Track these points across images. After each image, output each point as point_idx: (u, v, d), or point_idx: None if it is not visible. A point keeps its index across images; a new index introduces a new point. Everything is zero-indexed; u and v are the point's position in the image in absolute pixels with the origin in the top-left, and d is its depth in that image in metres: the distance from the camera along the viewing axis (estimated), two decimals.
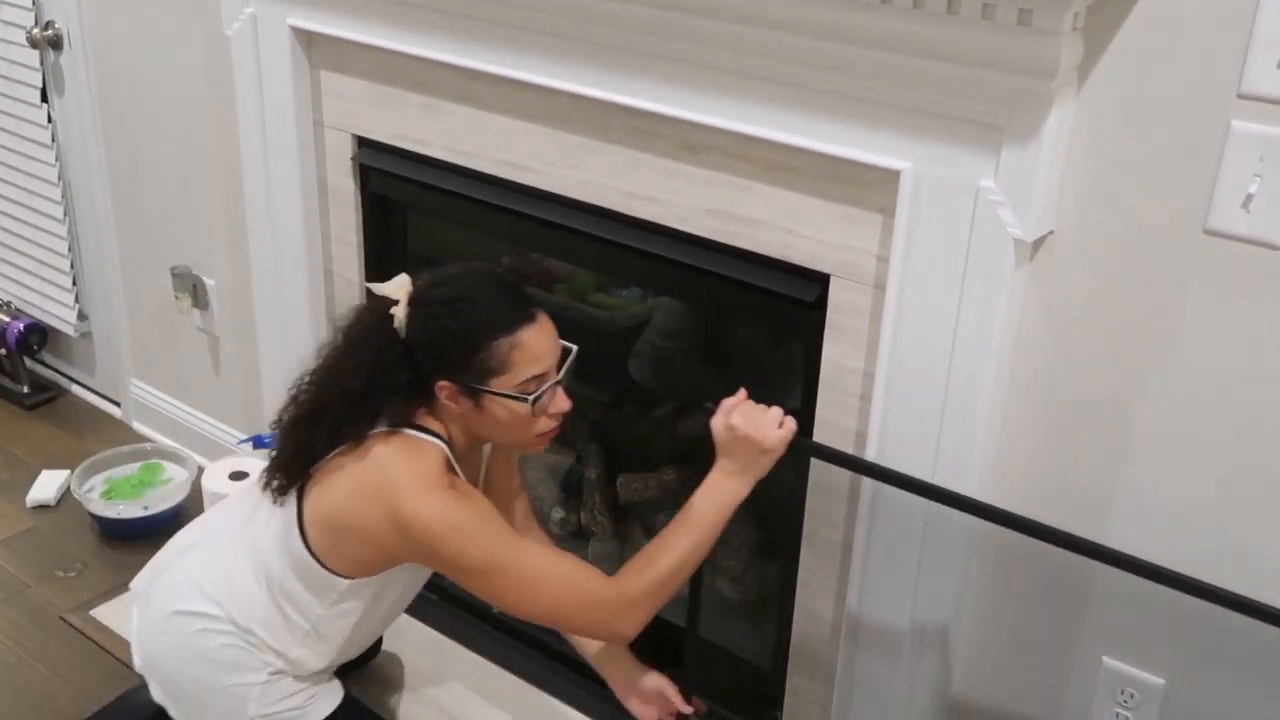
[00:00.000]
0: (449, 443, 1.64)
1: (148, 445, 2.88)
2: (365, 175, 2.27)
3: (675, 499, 2.38)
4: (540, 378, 1.62)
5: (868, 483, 1.73)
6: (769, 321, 1.92)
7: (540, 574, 1.59)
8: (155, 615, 1.76)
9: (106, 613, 2.41)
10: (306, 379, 1.69)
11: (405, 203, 2.29)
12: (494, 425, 1.64)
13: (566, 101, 1.88)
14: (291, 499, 1.67)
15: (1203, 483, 1.51)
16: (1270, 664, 1.53)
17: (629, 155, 1.85)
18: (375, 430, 1.63)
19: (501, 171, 2.03)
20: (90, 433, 3.04)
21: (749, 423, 1.61)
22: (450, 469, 1.63)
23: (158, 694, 1.76)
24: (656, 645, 2.28)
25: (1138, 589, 1.60)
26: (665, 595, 1.62)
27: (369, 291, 1.67)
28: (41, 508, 2.72)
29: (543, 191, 1.99)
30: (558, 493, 2.46)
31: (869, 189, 1.62)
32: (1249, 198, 1.37)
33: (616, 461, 2.43)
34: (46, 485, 2.76)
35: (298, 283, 2.40)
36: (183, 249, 2.75)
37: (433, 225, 2.38)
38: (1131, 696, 1.66)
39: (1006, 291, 1.53)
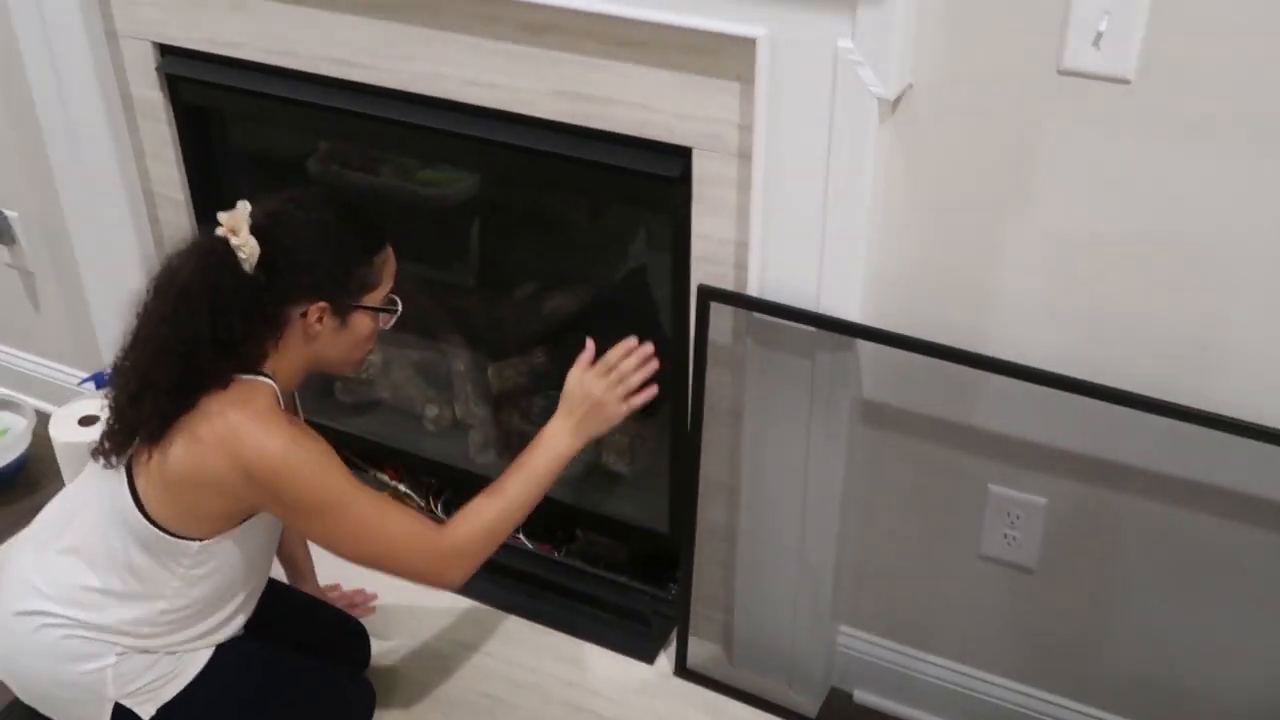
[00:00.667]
0: (274, 379, 1.59)
1: None
2: (174, 85, 2.11)
3: (548, 381, 2.37)
4: (392, 289, 1.66)
5: (752, 344, 1.75)
6: (631, 199, 1.89)
7: (374, 517, 1.59)
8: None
9: None
10: (141, 340, 1.56)
11: (222, 110, 2.14)
12: (350, 344, 1.63)
13: None
14: (121, 473, 1.58)
15: (1065, 319, 1.57)
16: (1136, 456, 1.64)
17: (466, 41, 1.76)
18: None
19: (326, 69, 1.91)
20: None
21: (598, 385, 1.68)
22: (278, 405, 1.59)
23: (24, 696, 1.69)
24: (548, 521, 2.32)
25: (1018, 414, 1.68)
26: (494, 544, 1.67)
27: (206, 231, 1.55)
28: None
29: (374, 87, 1.89)
30: (428, 389, 2.41)
31: (724, 58, 1.58)
32: (1099, 35, 1.39)
33: (483, 349, 2.40)
34: None
35: (116, 207, 2.24)
36: None
37: (259, 131, 2.25)
38: (1018, 518, 1.76)
39: (872, 149, 1.53)
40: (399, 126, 1.89)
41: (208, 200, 2.23)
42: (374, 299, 1.63)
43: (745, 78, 1.58)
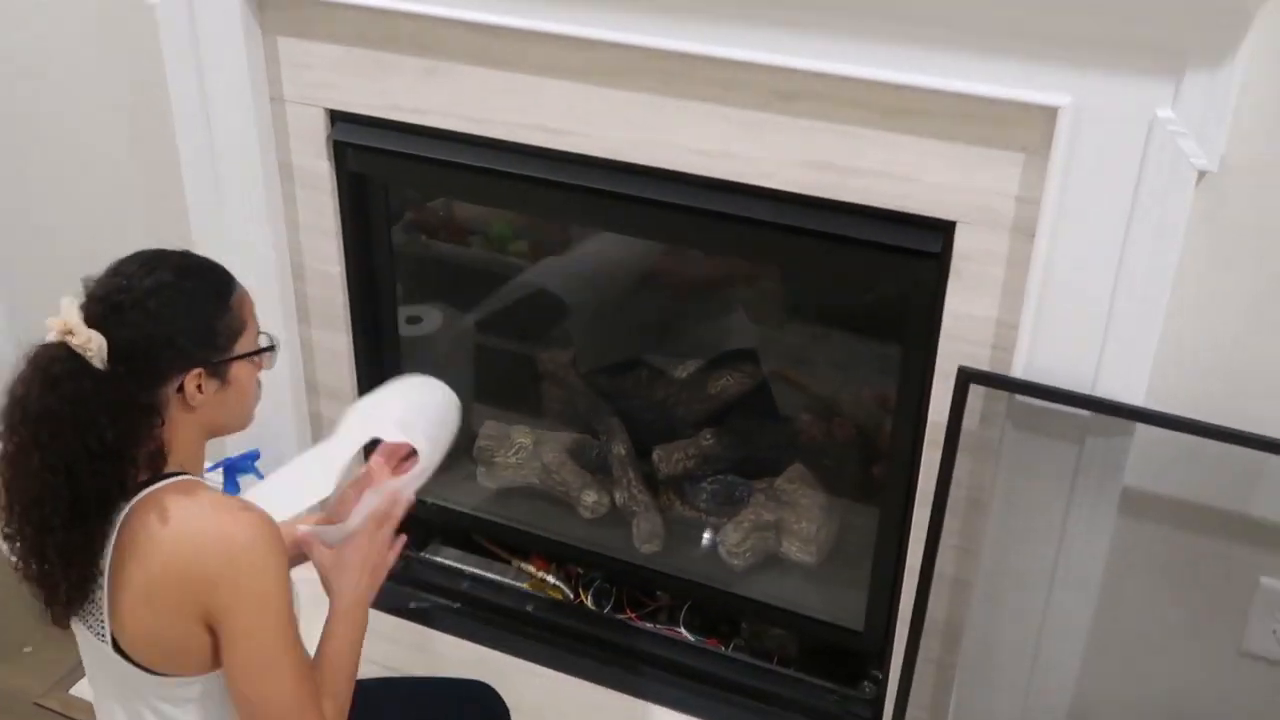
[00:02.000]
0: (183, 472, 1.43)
1: None
2: (341, 153, 1.98)
3: (716, 465, 2.25)
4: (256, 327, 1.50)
5: (1010, 429, 1.64)
6: (875, 275, 1.78)
7: (288, 653, 1.40)
8: None
9: None
10: (13, 490, 1.35)
11: (396, 181, 2.02)
12: (238, 399, 1.47)
13: (616, 53, 1.66)
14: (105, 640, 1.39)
15: None
16: None
17: (701, 109, 1.66)
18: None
19: (527, 137, 1.80)
20: None
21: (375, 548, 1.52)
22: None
23: None
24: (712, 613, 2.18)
25: None
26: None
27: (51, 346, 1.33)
28: None
29: (583, 156, 1.78)
30: (584, 474, 2.27)
31: (1012, 127, 1.49)
32: None
33: (638, 432, 2.27)
34: None
35: (263, 283, 2.08)
36: None
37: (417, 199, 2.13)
38: None
39: (1184, 225, 1.44)
40: (610, 198, 1.78)
41: (363, 273, 2.11)
42: (245, 344, 1.45)
43: (1033, 148, 1.49)
